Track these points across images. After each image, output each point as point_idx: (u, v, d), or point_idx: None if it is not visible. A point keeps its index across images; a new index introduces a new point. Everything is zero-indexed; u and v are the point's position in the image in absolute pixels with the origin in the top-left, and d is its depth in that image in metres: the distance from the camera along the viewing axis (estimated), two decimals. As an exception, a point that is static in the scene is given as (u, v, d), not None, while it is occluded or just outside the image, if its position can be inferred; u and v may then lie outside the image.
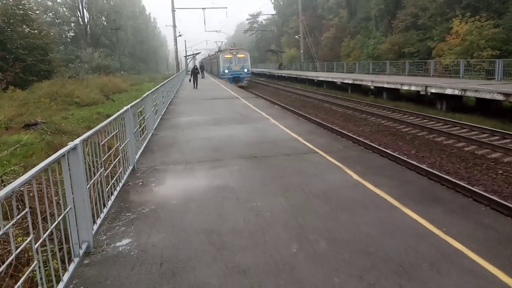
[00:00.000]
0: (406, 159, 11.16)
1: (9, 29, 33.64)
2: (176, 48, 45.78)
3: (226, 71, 42.43)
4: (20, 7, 35.79)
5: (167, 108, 16.67)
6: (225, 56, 43.32)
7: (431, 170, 10.05)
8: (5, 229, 2.66)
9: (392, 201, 5.19)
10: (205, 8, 46.90)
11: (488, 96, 16.53)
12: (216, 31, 63.76)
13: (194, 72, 31.37)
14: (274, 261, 3.80)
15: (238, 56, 42.74)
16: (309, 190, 5.75)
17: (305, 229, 4.47)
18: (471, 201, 6.02)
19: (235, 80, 41.21)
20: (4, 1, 35.01)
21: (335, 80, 33.40)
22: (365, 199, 5.34)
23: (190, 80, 31.80)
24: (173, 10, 41.87)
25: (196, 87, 29.54)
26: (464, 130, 14.89)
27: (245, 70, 42.81)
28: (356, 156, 7.68)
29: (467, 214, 4.77)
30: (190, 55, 68.38)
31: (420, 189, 5.69)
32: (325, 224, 4.57)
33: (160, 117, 13.41)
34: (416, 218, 4.64)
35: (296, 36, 59.15)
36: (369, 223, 4.56)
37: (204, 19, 50.22)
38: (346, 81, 31.25)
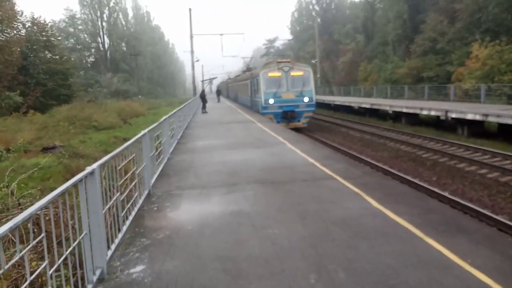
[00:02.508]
0: (427, 186, 10.92)
1: (31, 55, 34.84)
2: (193, 73, 46.26)
3: (272, 101, 24.16)
4: (43, 33, 37.15)
5: (183, 132, 16.79)
6: (269, 74, 24.73)
7: (453, 198, 9.79)
8: (21, 254, 2.65)
9: (414, 230, 5.00)
10: (222, 34, 47.75)
11: (510, 121, 16.19)
12: (233, 56, 64.63)
13: (203, 97, 29.89)
14: (292, 292, 3.66)
15: (293, 73, 24.65)
16: (327, 217, 5.61)
17: (324, 258, 4.32)
18: (495, 231, 5.78)
19: (287, 117, 24.28)
20: (29, 29, 36.37)
21: (352, 105, 33.32)
22: (386, 227, 5.17)
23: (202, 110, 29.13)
24: (191, 37, 42.75)
25: (205, 112, 28.32)
26: (486, 156, 14.54)
27: (305, 100, 24.51)
28: (375, 182, 7.51)
29: (493, 245, 4.55)
30: (206, 79, 68.67)
31: (443, 218, 5.49)
32: (345, 254, 4.42)
33: (176, 141, 13.48)
34: (440, 249, 4.45)
35: (313, 61, 58.51)
36: (390, 253, 4.38)
37: (222, 45, 51.20)
38: (364, 106, 31.11)
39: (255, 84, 26.98)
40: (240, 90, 39.46)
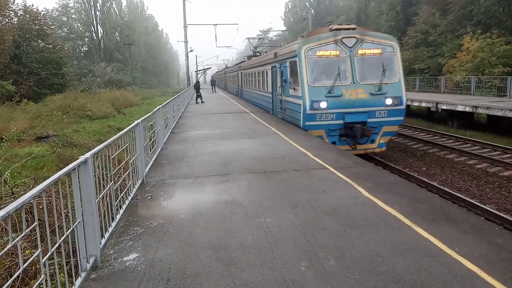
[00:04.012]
0: (417, 176, 11.04)
1: (24, 44, 34.44)
2: (187, 63, 45.93)
3: (324, 104, 12.73)
4: (36, 22, 36.72)
5: (177, 122, 16.77)
6: (319, 52, 12.91)
7: (442, 187, 9.92)
8: (13, 242, 2.67)
9: (404, 219, 5.10)
10: (216, 25, 47.31)
11: (500, 113, 16.36)
12: (227, 46, 64.18)
13: (197, 87, 29.74)
14: (283, 279, 3.74)
15: (363, 51, 13.08)
16: (318, 206, 5.69)
17: (315, 246, 4.41)
18: (483, 220, 5.88)
19: (353, 134, 12.90)
20: (21, 17, 35.93)
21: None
22: (376, 216, 5.26)
23: (193, 94, 29.66)
24: (185, 26, 42.35)
25: (200, 102, 28.43)
26: (475, 148, 14.73)
27: (388, 102, 13.02)
28: (366, 172, 7.60)
29: (480, 234, 4.66)
30: (200, 70, 68.09)
31: (432, 208, 5.58)
32: (335, 242, 4.50)
33: (170, 131, 13.48)
34: (428, 237, 4.55)
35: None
36: (379, 242, 4.48)
37: (216, 35, 50.77)
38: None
39: (287, 72, 14.84)
40: (246, 82, 27.95)
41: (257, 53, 33.87)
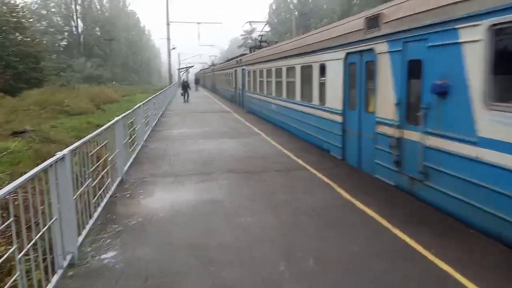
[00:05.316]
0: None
1: (1, 36, 33.57)
2: (170, 60, 45.64)
3: None
4: (14, 14, 35.86)
5: (158, 120, 16.62)
6: None
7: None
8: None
9: (381, 221, 5.19)
10: (200, 23, 47.25)
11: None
12: (210, 45, 64.09)
13: (185, 86, 29.88)
14: (261, 278, 3.76)
15: None
16: (298, 207, 5.74)
17: (293, 246, 4.44)
18: (458, 222, 6.01)
19: None
20: (-3, 9, 35.06)
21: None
22: (355, 217, 5.34)
23: (182, 94, 30.04)
24: (168, 24, 42.09)
25: (187, 101, 28.62)
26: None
27: None
28: (346, 174, 7.70)
29: (455, 236, 4.77)
30: (183, 68, 67.65)
31: (409, 209, 5.69)
32: (313, 242, 4.55)
33: (151, 129, 13.36)
34: (405, 239, 4.64)
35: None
36: (357, 243, 4.54)
37: (199, 33, 50.64)
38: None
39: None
40: (258, 84, 18.40)
41: (262, 43, 25.17)
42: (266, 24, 34.95)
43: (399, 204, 5.92)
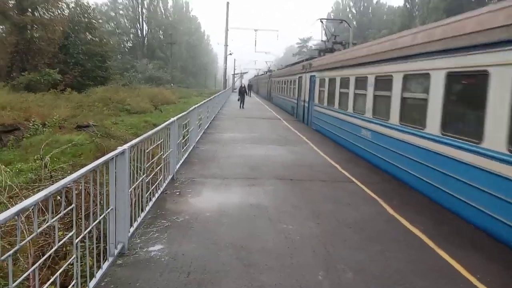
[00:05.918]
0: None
1: (73, 35, 35.95)
2: (226, 66, 46.61)
3: None
4: (86, 15, 38.32)
5: (210, 123, 17.08)
6: None
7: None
8: (51, 221, 2.87)
9: (426, 240, 5.05)
10: (257, 30, 47.92)
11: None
12: (266, 52, 64.69)
13: (242, 91, 29.29)
14: (299, 285, 3.81)
15: None
16: (341, 218, 5.72)
17: (333, 257, 4.45)
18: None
19: None
20: (72, 9, 37.60)
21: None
22: (399, 234, 5.23)
23: (238, 99, 29.10)
24: (227, 30, 43.10)
25: (243, 107, 28.07)
26: None
27: None
28: (393, 189, 7.54)
29: (507, 263, 4.55)
30: (237, 73, 68.58)
31: (457, 231, 5.50)
32: (354, 255, 4.53)
33: (203, 131, 13.77)
34: (449, 260, 4.50)
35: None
36: (399, 260, 4.47)
37: (255, 40, 51.30)
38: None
39: None
40: (347, 99, 12.26)
41: (339, 44, 21.82)
42: (341, 22, 31.14)
43: (447, 224, 5.73)
